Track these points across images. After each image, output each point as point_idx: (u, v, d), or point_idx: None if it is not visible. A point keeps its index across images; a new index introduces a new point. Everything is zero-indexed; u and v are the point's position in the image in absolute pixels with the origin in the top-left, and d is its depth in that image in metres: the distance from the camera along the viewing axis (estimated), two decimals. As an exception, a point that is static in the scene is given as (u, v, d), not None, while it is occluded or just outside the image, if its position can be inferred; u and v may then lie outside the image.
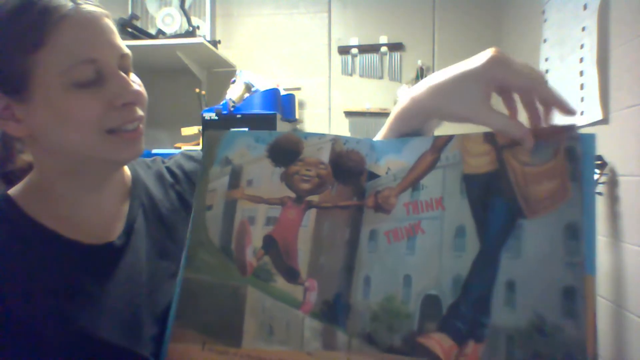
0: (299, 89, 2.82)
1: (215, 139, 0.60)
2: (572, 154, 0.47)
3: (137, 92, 0.61)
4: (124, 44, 0.62)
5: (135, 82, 0.63)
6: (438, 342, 0.47)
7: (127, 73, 0.62)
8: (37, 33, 0.55)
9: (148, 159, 0.78)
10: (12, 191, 0.63)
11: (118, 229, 0.66)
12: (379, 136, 0.61)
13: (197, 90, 2.58)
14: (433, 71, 2.76)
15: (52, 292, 0.57)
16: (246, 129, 2.22)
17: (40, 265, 0.58)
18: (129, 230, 0.66)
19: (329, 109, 2.83)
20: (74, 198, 0.64)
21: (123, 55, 0.61)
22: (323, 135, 0.57)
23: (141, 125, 0.62)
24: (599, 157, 1.47)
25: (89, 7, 0.58)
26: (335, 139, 0.56)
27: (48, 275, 0.58)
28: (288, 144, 0.57)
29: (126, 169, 0.72)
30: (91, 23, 0.58)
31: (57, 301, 0.57)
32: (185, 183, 0.76)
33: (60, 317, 0.57)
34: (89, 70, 0.57)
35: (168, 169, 0.77)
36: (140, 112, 0.62)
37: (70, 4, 0.56)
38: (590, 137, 0.47)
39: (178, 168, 0.77)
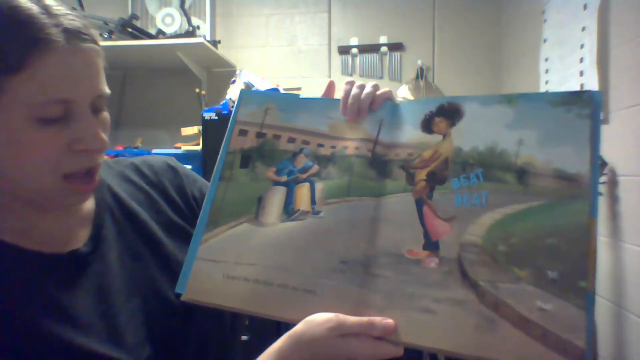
0: (299, 89, 2.82)
1: None
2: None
3: (101, 141, 0.57)
4: (105, 84, 0.59)
5: (104, 123, 0.60)
6: None
7: (99, 112, 0.59)
8: (18, 57, 0.51)
9: (110, 160, 0.75)
10: None
11: (84, 236, 0.63)
12: None
13: (197, 90, 2.57)
14: (433, 71, 2.76)
15: (21, 305, 0.55)
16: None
17: (5, 280, 0.56)
18: (96, 237, 0.64)
19: (329, 109, 2.83)
20: (30, 216, 0.61)
21: (99, 96, 0.58)
22: None
23: (97, 175, 0.60)
24: (599, 157, 1.47)
25: (80, 45, 0.55)
26: None
27: (14, 290, 0.56)
28: None
29: None
30: (77, 62, 0.54)
31: (28, 314, 0.55)
32: (156, 183, 0.74)
33: (35, 329, 0.54)
34: (59, 109, 0.54)
35: (136, 167, 0.75)
36: (99, 160, 0.59)
37: (61, 37, 0.53)
38: (598, 94, 0.51)
39: (148, 168, 0.75)
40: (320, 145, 0.61)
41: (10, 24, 0.52)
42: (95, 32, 0.58)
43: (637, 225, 1.37)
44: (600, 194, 1.45)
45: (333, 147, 0.60)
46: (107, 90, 0.59)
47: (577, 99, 0.51)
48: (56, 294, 0.57)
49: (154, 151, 2.16)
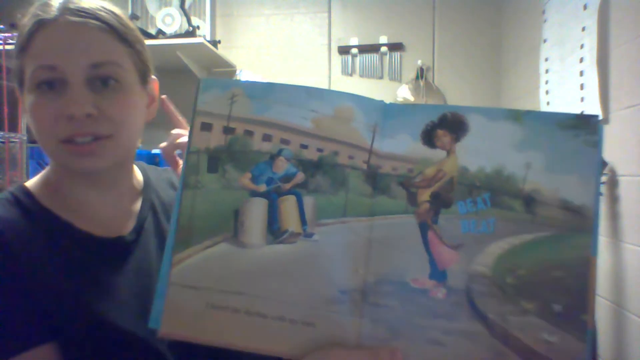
0: (299, 89, 2.82)
1: None
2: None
3: (81, 108, 0.59)
4: (108, 54, 0.62)
5: (114, 92, 0.62)
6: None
7: (106, 82, 0.61)
8: (24, 39, 0.61)
9: (160, 168, 0.83)
10: (29, 183, 0.67)
11: (129, 226, 0.69)
12: None
13: (197, 90, 2.57)
14: (433, 71, 2.76)
15: (67, 279, 0.60)
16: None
17: (56, 254, 0.61)
18: (139, 228, 0.70)
19: (329, 109, 2.83)
20: (81, 194, 0.67)
21: (95, 65, 0.61)
22: None
23: (99, 142, 0.61)
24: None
25: (71, 19, 0.60)
26: None
27: (63, 263, 0.61)
28: None
29: (138, 172, 0.76)
30: (66, 32, 0.60)
31: (72, 288, 0.60)
32: None
33: (76, 302, 0.59)
34: (48, 75, 0.60)
35: None
36: (96, 128, 0.61)
37: (53, 14, 0.61)
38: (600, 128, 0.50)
39: None
40: (304, 147, 0.52)
41: (30, 12, 0.62)
42: (110, 15, 0.63)
43: (637, 225, 1.37)
44: (601, 194, 1.45)
45: (320, 150, 0.52)
46: (107, 59, 0.62)
47: (584, 123, 0.50)
48: (99, 273, 0.63)
49: (154, 151, 2.16)
